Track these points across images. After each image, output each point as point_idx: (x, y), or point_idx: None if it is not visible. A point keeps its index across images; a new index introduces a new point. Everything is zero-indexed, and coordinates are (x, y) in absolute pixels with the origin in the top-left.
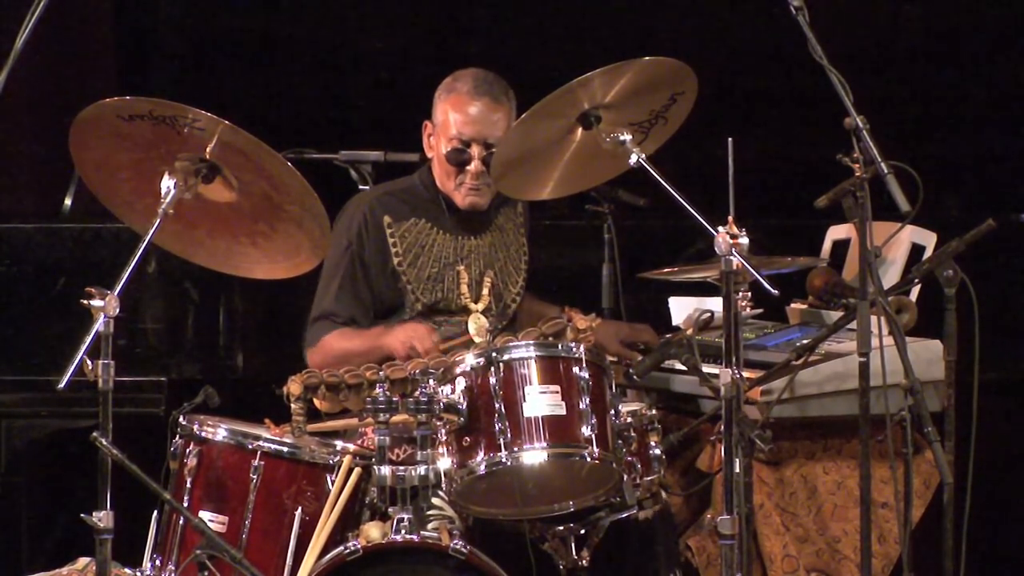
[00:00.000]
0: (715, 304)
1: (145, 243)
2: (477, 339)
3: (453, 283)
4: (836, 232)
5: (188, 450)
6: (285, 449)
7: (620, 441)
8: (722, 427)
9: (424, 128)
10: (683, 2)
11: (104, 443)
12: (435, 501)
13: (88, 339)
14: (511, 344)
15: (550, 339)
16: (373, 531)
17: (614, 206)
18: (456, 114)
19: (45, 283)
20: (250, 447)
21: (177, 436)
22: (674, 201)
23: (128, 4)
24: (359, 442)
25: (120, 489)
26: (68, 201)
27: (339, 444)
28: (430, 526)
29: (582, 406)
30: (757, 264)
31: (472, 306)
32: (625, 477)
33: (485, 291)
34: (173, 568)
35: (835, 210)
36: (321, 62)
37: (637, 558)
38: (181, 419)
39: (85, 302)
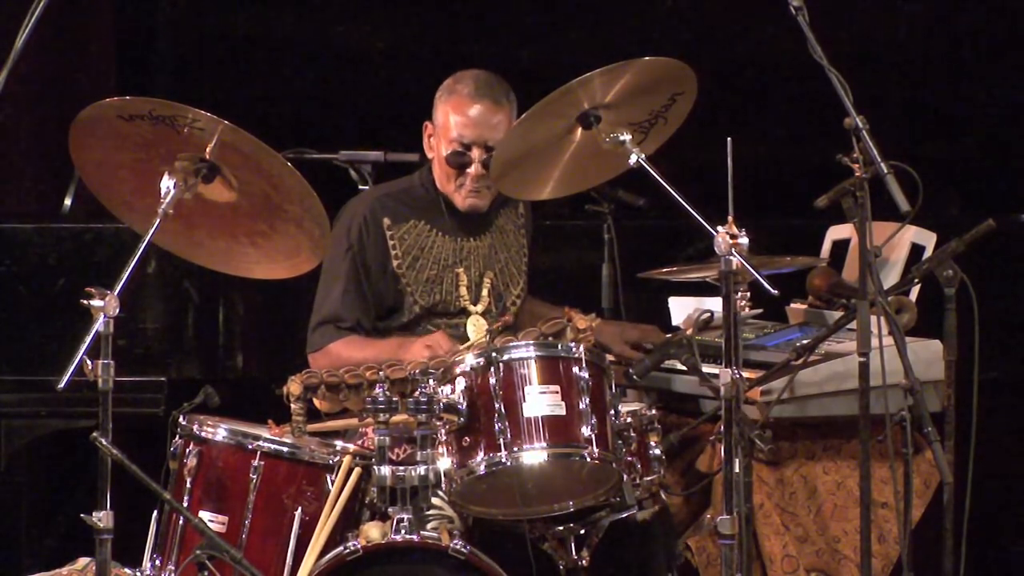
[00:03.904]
0: (715, 304)
1: (145, 243)
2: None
3: (452, 285)
4: (836, 232)
5: (188, 450)
6: (285, 449)
7: (620, 441)
8: (722, 427)
9: (425, 129)
10: (683, 2)
11: (104, 443)
12: (435, 501)
13: (88, 339)
14: (511, 344)
15: (550, 339)
16: (373, 531)
17: (614, 206)
18: (457, 116)
19: (45, 283)
20: (250, 447)
21: (177, 436)
22: (674, 201)
23: (128, 4)
24: (359, 442)
25: (120, 489)
26: (68, 201)
27: (339, 444)
28: (430, 526)
29: (582, 406)
30: (757, 264)
31: (471, 308)
32: (625, 477)
33: (484, 292)
34: (173, 568)
35: (835, 210)
36: (321, 62)
37: (635, 558)
38: (181, 419)
39: (85, 302)
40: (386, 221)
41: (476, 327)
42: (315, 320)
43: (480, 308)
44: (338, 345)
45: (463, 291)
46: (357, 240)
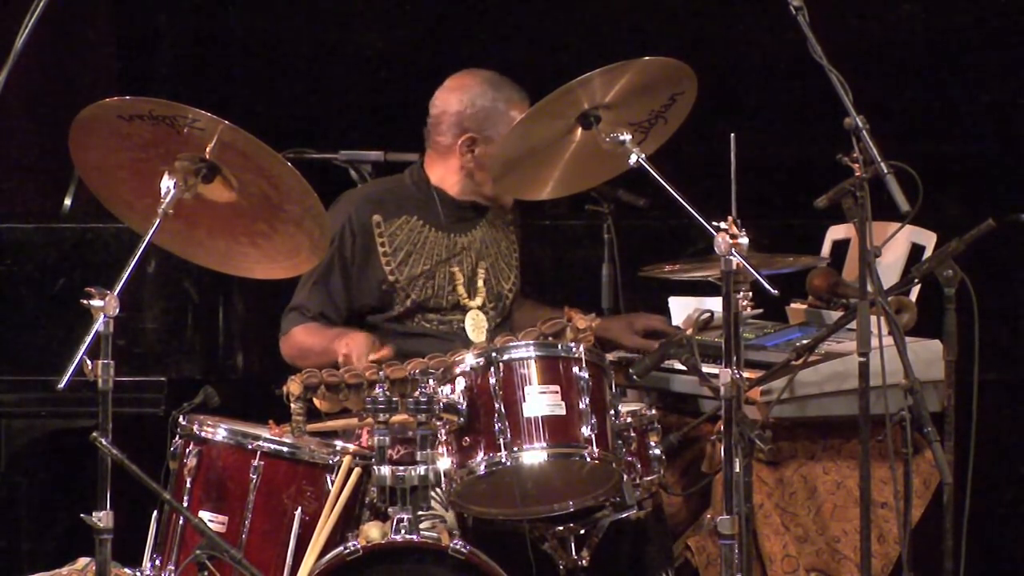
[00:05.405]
0: (715, 304)
1: (145, 243)
2: (474, 337)
3: (445, 280)
4: (836, 232)
5: (188, 450)
6: (285, 449)
7: (620, 441)
8: (722, 427)
9: (462, 142)
10: (683, 2)
11: (104, 443)
12: None
13: (88, 339)
14: (511, 344)
15: (550, 339)
16: (373, 531)
17: (614, 206)
18: None
19: (45, 283)
20: (250, 447)
21: (177, 436)
22: (674, 201)
23: (128, 4)
24: (358, 442)
25: (120, 489)
26: (68, 201)
27: (339, 444)
28: (423, 526)
29: (582, 406)
30: (757, 264)
31: (470, 303)
32: (625, 477)
33: (480, 283)
34: (173, 568)
35: (835, 210)
36: (321, 62)
37: (630, 557)
38: (181, 419)
39: (85, 302)
40: (376, 218)
41: (475, 322)
42: (288, 306)
43: (478, 301)
44: (298, 330)
45: (460, 289)
46: (339, 236)
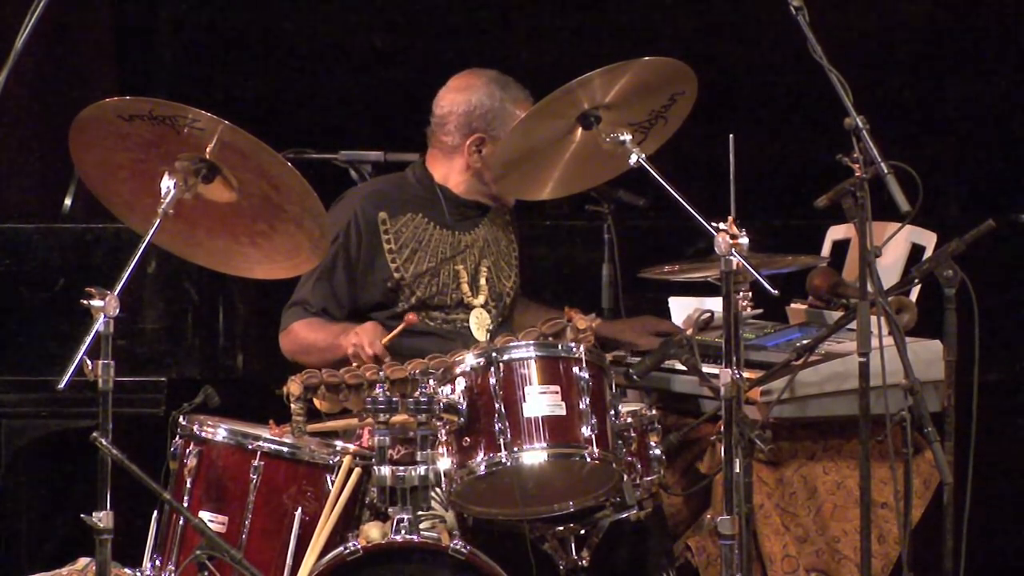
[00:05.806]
0: (715, 304)
1: (145, 243)
2: (478, 335)
3: (449, 278)
4: (836, 232)
5: (188, 450)
6: (285, 449)
7: (620, 441)
8: (722, 427)
9: (471, 142)
10: (683, 2)
11: (104, 443)
12: None
13: (88, 339)
14: (511, 344)
15: (550, 339)
16: (373, 531)
17: (614, 206)
18: None
19: (45, 283)
20: (250, 447)
21: (177, 436)
22: (674, 201)
23: (128, 4)
24: (357, 443)
25: (120, 489)
26: (68, 201)
27: (339, 444)
28: (423, 527)
29: (582, 406)
30: (757, 264)
31: (473, 301)
32: (625, 477)
33: (482, 281)
34: (173, 568)
35: (835, 210)
36: (321, 62)
37: (630, 558)
38: (181, 419)
39: (85, 302)
40: (382, 215)
41: (478, 320)
42: (289, 301)
43: (481, 299)
44: (299, 325)
45: (464, 288)
46: (344, 233)
